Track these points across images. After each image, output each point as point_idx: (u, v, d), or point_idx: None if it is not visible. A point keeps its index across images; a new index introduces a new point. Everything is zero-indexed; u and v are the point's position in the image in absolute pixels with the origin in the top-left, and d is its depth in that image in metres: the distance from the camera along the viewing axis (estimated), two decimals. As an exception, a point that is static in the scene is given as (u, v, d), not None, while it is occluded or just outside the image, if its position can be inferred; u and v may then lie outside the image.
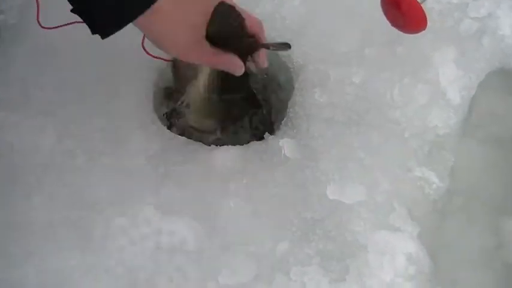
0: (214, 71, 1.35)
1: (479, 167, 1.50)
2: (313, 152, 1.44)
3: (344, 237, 1.35)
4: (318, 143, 1.45)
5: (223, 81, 1.36)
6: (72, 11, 1.03)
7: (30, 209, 1.41)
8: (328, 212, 1.37)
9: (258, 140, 1.51)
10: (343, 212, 1.37)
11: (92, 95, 1.53)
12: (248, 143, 1.50)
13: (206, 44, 1.12)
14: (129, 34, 1.44)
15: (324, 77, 1.52)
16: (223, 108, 1.46)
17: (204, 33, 1.11)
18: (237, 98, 1.45)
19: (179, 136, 1.50)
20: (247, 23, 1.18)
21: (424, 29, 1.36)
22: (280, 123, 1.53)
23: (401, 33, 1.39)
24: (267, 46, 1.26)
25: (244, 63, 1.23)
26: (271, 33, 1.58)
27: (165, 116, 1.54)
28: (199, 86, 1.41)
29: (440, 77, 1.48)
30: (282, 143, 1.45)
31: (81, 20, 1.05)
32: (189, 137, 1.51)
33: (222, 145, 1.49)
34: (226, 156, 1.46)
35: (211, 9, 1.09)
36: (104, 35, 1.00)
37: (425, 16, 1.32)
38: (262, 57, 1.26)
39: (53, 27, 1.40)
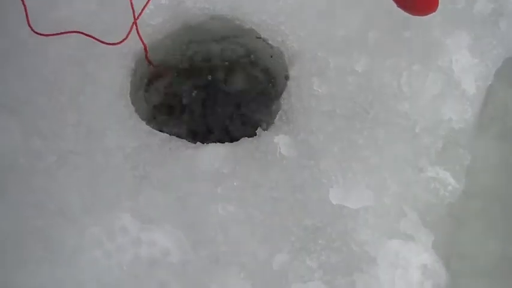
0: None
1: (498, 166, 1.41)
2: (312, 150, 1.34)
3: (350, 248, 1.26)
4: (318, 140, 1.34)
5: None
6: None
7: (-9, 219, 1.28)
8: (331, 219, 1.28)
9: (249, 136, 1.40)
10: (348, 219, 1.27)
11: (62, 86, 1.41)
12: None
13: None
14: (102, 16, 1.40)
15: (322, 65, 1.42)
16: None
17: None
18: None
19: (159, 132, 1.40)
20: None
21: (434, 11, 1.28)
22: (274, 117, 1.43)
23: (408, 15, 1.31)
24: None
25: None
26: (262, 16, 1.49)
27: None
28: None
29: (453, 64, 1.39)
30: (277, 140, 1.34)
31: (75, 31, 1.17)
32: None
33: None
34: (214, 154, 1.35)
35: None
36: None
37: None
38: None
39: (46, 35, 1.31)
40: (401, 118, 1.35)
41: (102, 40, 1.34)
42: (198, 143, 1.39)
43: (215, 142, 1.39)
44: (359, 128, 1.35)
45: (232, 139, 1.41)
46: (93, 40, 1.35)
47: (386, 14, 1.41)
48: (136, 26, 1.35)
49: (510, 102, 1.46)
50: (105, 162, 1.34)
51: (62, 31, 1.32)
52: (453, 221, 1.32)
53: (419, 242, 1.25)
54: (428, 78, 1.37)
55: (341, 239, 1.26)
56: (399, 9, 1.32)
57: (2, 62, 1.43)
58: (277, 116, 1.42)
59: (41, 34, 1.32)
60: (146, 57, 1.37)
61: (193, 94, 1.58)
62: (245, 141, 1.38)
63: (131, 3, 1.36)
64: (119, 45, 1.34)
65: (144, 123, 1.40)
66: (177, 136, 1.41)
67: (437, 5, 1.28)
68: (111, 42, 1.34)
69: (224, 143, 1.39)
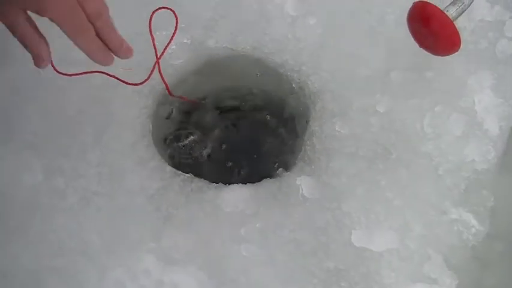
0: None
1: (522, 208, 1.40)
2: (334, 192, 1.35)
3: None
4: (340, 181, 1.35)
5: None
6: None
7: (12, 257, 1.31)
8: (354, 261, 1.28)
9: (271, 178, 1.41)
10: (371, 261, 1.27)
11: (84, 125, 1.44)
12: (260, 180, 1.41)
13: (23, 14, 1.10)
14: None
15: (344, 105, 1.44)
16: None
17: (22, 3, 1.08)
18: None
19: (182, 173, 1.41)
20: None
21: (457, 51, 1.31)
22: (296, 158, 1.44)
23: (430, 55, 1.35)
24: None
25: None
26: (283, 56, 1.52)
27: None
28: None
29: (476, 105, 1.39)
30: (299, 181, 1.36)
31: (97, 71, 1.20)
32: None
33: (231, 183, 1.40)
34: (236, 196, 1.36)
35: None
36: None
37: (458, 35, 1.28)
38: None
39: (68, 74, 1.32)
40: (424, 159, 1.35)
41: (124, 80, 1.35)
42: (220, 183, 1.40)
43: (237, 183, 1.40)
44: (382, 169, 1.35)
45: (254, 179, 1.42)
46: (116, 81, 1.37)
47: (408, 54, 1.43)
48: (158, 65, 1.36)
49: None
50: (127, 203, 1.35)
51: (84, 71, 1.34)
52: (477, 264, 1.31)
53: (443, 285, 1.25)
54: (451, 119, 1.38)
55: (364, 282, 1.25)
56: (421, 49, 1.35)
57: (26, 100, 1.46)
58: (299, 157, 1.43)
59: (63, 74, 1.34)
60: (169, 92, 1.41)
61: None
62: (267, 182, 1.40)
63: (153, 43, 1.38)
64: (141, 85, 1.35)
65: (166, 164, 1.42)
66: (198, 176, 1.42)
67: (460, 45, 1.30)
68: (133, 83, 1.36)
69: (246, 183, 1.39)
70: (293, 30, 1.54)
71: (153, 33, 1.37)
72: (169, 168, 1.41)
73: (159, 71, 1.37)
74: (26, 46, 1.15)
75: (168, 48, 1.45)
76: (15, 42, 1.42)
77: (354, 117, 1.41)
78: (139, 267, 1.28)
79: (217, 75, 1.58)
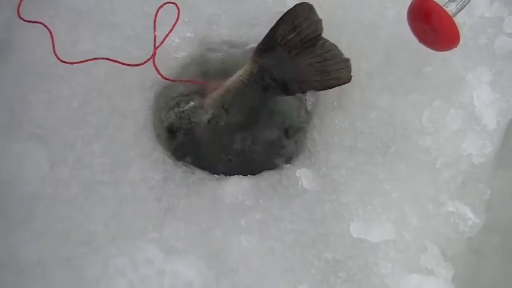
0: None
1: (518, 200, 1.42)
2: (333, 184, 1.38)
3: (370, 281, 1.29)
4: (339, 174, 1.39)
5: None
6: None
7: (18, 246, 1.35)
8: (352, 252, 1.31)
9: (271, 169, 1.44)
10: (369, 252, 1.31)
11: (88, 117, 1.47)
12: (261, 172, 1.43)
13: None
14: (127, 50, 1.45)
15: (344, 100, 1.46)
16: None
17: None
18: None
19: (184, 165, 1.45)
20: None
21: (456, 46, 1.32)
22: (297, 151, 1.47)
23: (429, 50, 1.35)
24: None
25: None
26: None
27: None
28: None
29: (474, 100, 1.42)
30: (299, 173, 1.39)
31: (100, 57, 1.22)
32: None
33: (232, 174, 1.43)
34: (237, 187, 1.39)
35: None
36: None
37: (458, 31, 1.29)
38: None
39: (71, 62, 1.35)
40: (422, 153, 1.38)
41: (126, 63, 1.39)
42: (221, 175, 1.43)
43: (237, 174, 1.42)
44: (380, 163, 1.38)
45: (254, 171, 1.44)
46: (119, 73, 1.40)
47: (408, 50, 1.45)
48: (154, 58, 1.38)
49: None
50: (130, 193, 1.39)
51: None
52: (473, 255, 1.34)
53: (439, 276, 1.28)
54: (449, 114, 1.40)
55: (362, 272, 1.29)
56: (421, 45, 1.37)
57: (30, 91, 1.49)
58: (300, 149, 1.46)
59: (66, 62, 1.37)
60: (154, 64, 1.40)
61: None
62: (267, 174, 1.42)
63: (154, 36, 1.40)
64: (140, 66, 1.39)
65: (167, 155, 1.45)
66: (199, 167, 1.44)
67: (459, 41, 1.31)
68: (133, 64, 1.40)
69: (246, 175, 1.42)
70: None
71: (158, 26, 1.40)
72: (170, 160, 1.44)
73: (154, 65, 1.38)
74: None
75: (171, 41, 1.48)
76: (20, 35, 1.47)
77: (354, 112, 1.44)
78: (141, 257, 1.31)
79: (219, 68, 1.60)
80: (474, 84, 1.43)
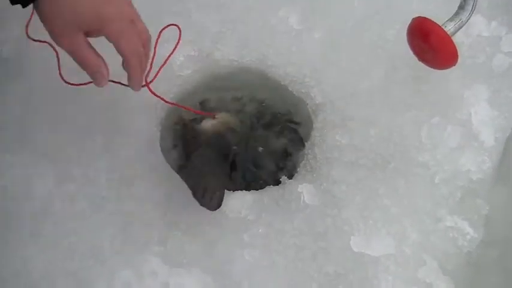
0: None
1: (516, 216, 1.44)
2: (334, 199, 1.40)
3: None
4: (340, 189, 1.41)
5: None
6: None
7: (25, 260, 1.37)
8: (352, 266, 1.33)
9: (275, 185, 1.47)
10: (369, 266, 1.33)
11: (94, 134, 1.51)
12: (263, 187, 1.47)
13: (82, 36, 1.18)
14: None
15: (345, 117, 1.50)
16: None
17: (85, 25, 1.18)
18: None
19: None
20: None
21: (455, 65, 1.37)
22: (299, 167, 1.50)
23: (428, 68, 1.40)
24: None
25: None
26: (287, 69, 1.58)
27: None
28: None
29: (472, 117, 1.45)
30: (301, 188, 1.42)
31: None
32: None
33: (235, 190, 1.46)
34: (240, 202, 1.42)
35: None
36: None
37: (456, 50, 1.32)
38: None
39: (76, 85, 1.39)
40: (421, 169, 1.41)
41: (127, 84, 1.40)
42: (225, 190, 1.43)
43: (241, 190, 1.45)
44: (380, 178, 1.41)
45: (257, 186, 1.48)
46: (125, 92, 1.42)
47: (407, 68, 1.49)
48: (147, 83, 1.40)
49: (528, 155, 1.48)
50: (135, 208, 1.42)
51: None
52: (472, 270, 1.36)
53: (438, 290, 1.29)
54: (447, 131, 1.43)
55: (362, 286, 1.31)
56: (420, 63, 1.40)
57: (37, 110, 1.53)
58: (301, 165, 1.49)
59: (70, 84, 1.39)
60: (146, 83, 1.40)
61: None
62: (270, 189, 1.45)
63: (151, 64, 1.43)
64: (150, 94, 1.40)
65: (172, 171, 1.47)
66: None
67: (457, 60, 1.35)
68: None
69: (250, 190, 1.45)
70: (297, 44, 1.60)
71: (162, 44, 1.42)
72: (175, 175, 1.46)
73: (149, 89, 1.41)
74: (86, 67, 1.23)
75: (176, 59, 1.52)
76: (28, 54, 1.50)
77: (354, 128, 1.47)
78: (146, 270, 1.34)
79: (222, 87, 1.63)
80: (472, 102, 1.46)
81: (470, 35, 1.54)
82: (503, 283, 1.39)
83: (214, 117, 1.52)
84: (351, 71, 1.52)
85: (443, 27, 1.34)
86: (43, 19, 1.17)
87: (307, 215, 1.39)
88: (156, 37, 1.41)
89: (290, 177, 1.48)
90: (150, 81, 1.36)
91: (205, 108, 1.62)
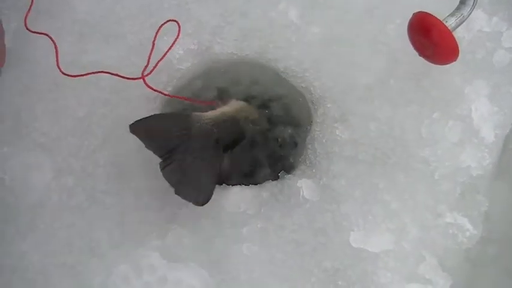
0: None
1: (515, 212, 1.44)
2: (334, 194, 1.40)
3: None
4: (340, 184, 1.40)
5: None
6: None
7: (22, 253, 1.37)
8: (351, 261, 1.33)
9: (274, 180, 1.46)
10: (368, 262, 1.32)
11: (92, 127, 1.50)
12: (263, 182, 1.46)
13: None
14: (131, 61, 1.47)
15: (345, 111, 1.48)
16: None
17: None
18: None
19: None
20: None
21: (455, 60, 1.35)
22: (298, 161, 1.49)
23: (429, 64, 1.39)
24: None
25: None
26: (286, 63, 1.57)
27: None
28: None
29: (472, 112, 1.44)
30: (300, 183, 1.41)
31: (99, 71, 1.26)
32: None
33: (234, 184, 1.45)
34: (239, 197, 1.41)
35: None
36: None
37: (457, 45, 1.31)
38: None
39: (74, 76, 1.36)
40: (421, 164, 1.40)
41: (125, 76, 1.41)
42: (224, 185, 1.44)
43: (240, 184, 1.44)
44: (380, 173, 1.40)
45: (256, 181, 1.46)
46: (124, 84, 1.42)
47: (408, 63, 1.47)
48: (143, 76, 1.40)
49: (528, 151, 1.48)
50: (133, 202, 1.41)
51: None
52: (471, 266, 1.36)
53: (437, 285, 1.30)
54: (448, 126, 1.42)
55: (361, 282, 1.30)
56: (420, 58, 1.39)
57: (36, 101, 1.52)
58: (301, 160, 1.48)
59: (68, 75, 1.38)
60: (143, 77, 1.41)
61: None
62: (269, 184, 1.44)
63: (148, 58, 1.42)
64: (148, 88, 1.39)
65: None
66: None
67: (458, 55, 1.34)
68: (132, 77, 1.42)
69: (248, 185, 1.44)
70: (297, 38, 1.58)
71: (162, 38, 1.41)
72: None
73: (145, 83, 1.40)
74: None
75: (175, 52, 1.50)
76: (27, 45, 1.49)
77: (354, 123, 1.46)
78: (144, 264, 1.33)
79: (221, 80, 1.62)
80: (472, 97, 1.45)
81: (471, 30, 1.53)
82: (501, 279, 1.39)
83: (219, 105, 1.50)
84: (351, 66, 1.51)
85: (444, 22, 1.33)
86: None
87: (307, 210, 1.38)
88: (156, 32, 1.40)
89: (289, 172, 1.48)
90: (147, 75, 1.34)
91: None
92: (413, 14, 1.36)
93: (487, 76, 1.48)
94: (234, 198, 1.40)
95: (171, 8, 1.54)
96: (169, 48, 1.47)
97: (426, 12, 1.34)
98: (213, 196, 1.38)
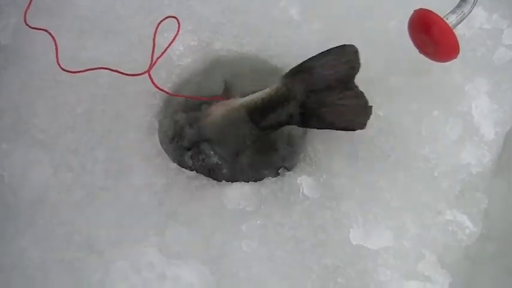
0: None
1: (515, 210, 1.44)
2: (334, 191, 1.39)
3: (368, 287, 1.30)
4: (339, 181, 1.40)
5: None
6: None
7: (21, 249, 1.36)
8: (351, 259, 1.32)
9: (274, 176, 1.46)
10: (368, 259, 1.32)
11: (92, 123, 1.49)
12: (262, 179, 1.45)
13: None
14: (131, 57, 1.46)
15: (345, 109, 1.45)
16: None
17: None
18: None
19: (187, 171, 1.46)
20: None
21: (456, 57, 1.35)
22: (298, 158, 1.49)
23: (429, 61, 1.38)
24: None
25: None
26: (287, 59, 1.56)
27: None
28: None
29: (473, 110, 1.44)
30: (300, 181, 1.40)
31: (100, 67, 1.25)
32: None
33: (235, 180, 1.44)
34: (238, 193, 1.41)
35: None
36: None
37: (457, 43, 1.31)
38: None
39: (73, 72, 1.36)
40: (421, 162, 1.40)
41: (125, 73, 1.41)
42: (223, 181, 1.44)
43: (239, 181, 1.44)
44: (380, 171, 1.40)
45: (256, 178, 1.46)
46: (123, 81, 1.41)
47: (408, 60, 1.47)
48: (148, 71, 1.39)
49: (529, 148, 1.48)
50: (133, 199, 1.40)
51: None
52: (470, 263, 1.35)
53: (436, 283, 1.29)
54: (448, 123, 1.42)
55: (360, 279, 1.30)
56: (421, 56, 1.38)
57: (35, 97, 1.52)
58: (301, 157, 1.47)
59: (68, 71, 1.38)
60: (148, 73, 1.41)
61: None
62: (269, 181, 1.44)
63: (152, 52, 1.42)
64: (150, 85, 1.39)
65: (171, 161, 1.46)
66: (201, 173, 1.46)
67: (458, 52, 1.33)
68: (132, 73, 1.41)
69: (248, 181, 1.44)
70: (297, 35, 1.58)
71: (162, 34, 1.41)
72: (174, 165, 1.45)
73: (151, 79, 1.40)
74: None
75: (175, 49, 1.50)
76: (27, 41, 1.49)
77: (354, 120, 1.44)
78: (143, 261, 1.32)
79: (221, 76, 1.62)
80: (473, 95, 1.45)
81: (471, 28, 1.53)
82: (501, 277, 1.39)
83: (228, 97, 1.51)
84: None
85: (445, 19, 1.32)
86: None
87: (306, 208, 1.38)
88: (155, 28, 1.40)
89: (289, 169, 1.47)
90: (147, 70, 1.34)
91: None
92: (414, 11, 1.36)
93: (488, 73, 1.48)
94: (234, 195, 1.40)
95: (172, 5, 1.54)
96: (169, 44, 1.47)
97: (427, 10, 1.33)
98: (212, 193, 1.40)
